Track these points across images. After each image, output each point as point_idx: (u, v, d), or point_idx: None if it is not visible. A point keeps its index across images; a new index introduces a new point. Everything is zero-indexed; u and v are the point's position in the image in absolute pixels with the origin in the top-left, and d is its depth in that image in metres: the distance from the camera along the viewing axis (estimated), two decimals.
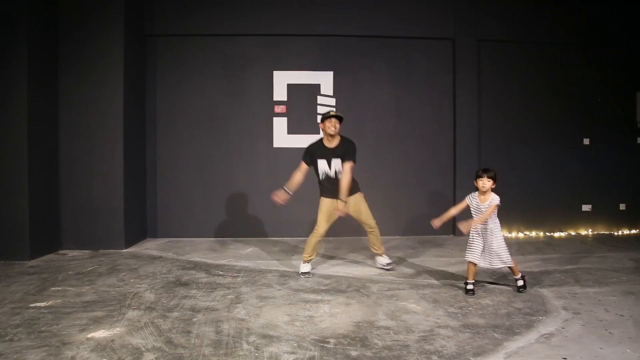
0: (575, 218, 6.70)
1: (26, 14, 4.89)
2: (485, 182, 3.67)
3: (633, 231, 6.66)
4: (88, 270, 4.52)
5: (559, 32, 6.59)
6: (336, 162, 4.26)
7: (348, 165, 4.20)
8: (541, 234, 6.58)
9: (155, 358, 2.55)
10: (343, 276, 4.32)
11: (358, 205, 4.39)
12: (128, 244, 5.65)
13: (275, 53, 6.41)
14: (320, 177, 4.35)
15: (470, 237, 3.76)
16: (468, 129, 6.48)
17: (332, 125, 4.24)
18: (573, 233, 6.63)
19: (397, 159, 6.50)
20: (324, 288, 3.93)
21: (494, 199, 3.67)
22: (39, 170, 5.11)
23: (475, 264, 3.74)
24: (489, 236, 3.67)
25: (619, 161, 6.70)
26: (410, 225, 6.43)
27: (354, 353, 2.62)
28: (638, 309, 3.33)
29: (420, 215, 6.20)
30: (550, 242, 6.02)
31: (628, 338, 2.82)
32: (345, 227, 5.86)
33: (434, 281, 4.14)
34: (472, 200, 3.76)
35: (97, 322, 3.08)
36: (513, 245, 5.45)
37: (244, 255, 5.28)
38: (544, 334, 2.89)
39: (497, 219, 3.73)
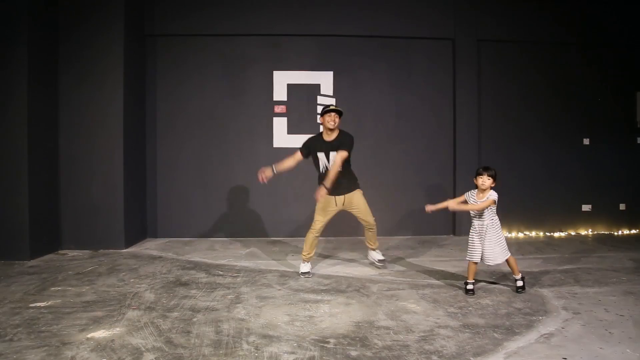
0: (575, 218, 6.69)
1: (26, 14, 4.88)
2: (485, 180, 3.67)
3: (633, 231, 6.66)
4: (88, 270, 4.52)
5: (559, 32, 6.59)
6: (334, 156, 4.25)
7: (340, 153, 4.17)
8: (541, 234, 6.58)
9: (155, 358, 2.54)
10: (343, 276, 4.32)
11: (357, 203, 4.39)
12: (128, 244, 5.65)
13: (275, 53, 6.40)
14: (321, 171, 4.35)
15: (470, 237, 3.76)
16: (468, 129, 6.48)
17: (332, 120, 4.24)
18: (573, 233, 6.63)
19: (397, 159, 6.50)
20: (324, 288, 3.93)
21: (491, 195, 3.67)
22: (39, 170, 5.11)
23: (475, 263, 3.74)
24: (488, 233, 3.67)
25: (619, 161, 6.70)
26: (410, 225, 6.43)
27: (354, 353, 2.62)
28: (638, 309, 3.33)
29: (420, 216, 6.16)
30: (550, 242, 6.02)
31: (628, 338, 2.82)
32: (345, 227, 5.88)
33: (434, 281, 4.14)
34: (470, 197, 3.76)
35: (97, 322, 3.08)
36: (513, 245, 5.45)
37: (244, 255, 5.28)
38: (544, 334, 2.89)
39: (497, 217, 3.73)
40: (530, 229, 6.62)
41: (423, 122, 6.53)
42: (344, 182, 4.31)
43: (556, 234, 6.57)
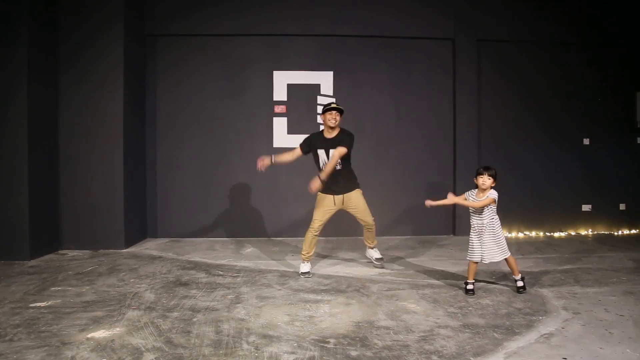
0: (575, 218, 6.69)
1: (26, 14, 4.88)
2: (486, 180, 3.67)
3: (633, 231, 6.66)
4: (88, 270, 4.52)
5: (559, 32, 6.59)
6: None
7: (339, 149, 4.16)
8: (541, 234, 6.58)
9: (155, 358, 2.54)
10: (343, 276, 4.32)
11: (356, 202, 4.39)
12: (128, 244, 5.65)
13: (275, 53, 6.41)
14: (320, 167, 4.34)
15: (470, 237, 3.77)
16: (468, 129, 6.48)
17: (333, 118, 4.25)
18: (573, 233, 6.63)
19: (397, 159, 6.50)
20: (324, 288, 3.93)
21: (492, 194, 3.67)
22: (39, 170, 5.11)
23: (476, 263, 3.74)
24: (486, 231, 3.67)
25: (619, 161, 6.70)
26: (410, 225, 6.43)
27: (354, 353, 2.62)
28: (638, 309, 3.33)
29: (420, 215, 6.20)
30: (550, 242, 6.02)
31: (628, 338, 2.82)
32: (345, 227, 5.88)
33: (434, 281, 4.14)
34: (470, 197, 3.76)
35: (97, 322, 3.08)
36: (513, 245, 5.44)
37: (244, 255, 5.28)
38: (544, 334, 2.89)
39: (497, 216, 3.73)
40: (530, 229, 6.62)
41: (423, 122, 6.53)
42: (343, 182, 4.32)
43: (556, 234, 6.57)
